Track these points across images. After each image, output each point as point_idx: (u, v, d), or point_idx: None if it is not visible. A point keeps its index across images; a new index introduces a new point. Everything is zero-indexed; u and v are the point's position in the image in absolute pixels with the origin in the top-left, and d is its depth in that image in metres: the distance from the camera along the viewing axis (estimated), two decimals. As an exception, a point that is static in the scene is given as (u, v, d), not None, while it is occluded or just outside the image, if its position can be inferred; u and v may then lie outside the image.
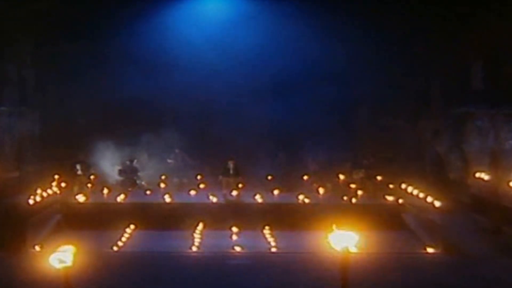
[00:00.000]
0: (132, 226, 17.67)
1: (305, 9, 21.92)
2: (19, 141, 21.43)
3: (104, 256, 14.07)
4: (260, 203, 19.08)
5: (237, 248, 15.49)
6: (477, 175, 19.19)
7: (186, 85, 22.01)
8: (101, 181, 21.53)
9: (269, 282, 11.98)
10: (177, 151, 22.86)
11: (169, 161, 22.77)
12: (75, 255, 6.66)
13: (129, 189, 21.28)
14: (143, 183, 22.37)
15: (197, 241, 16.32)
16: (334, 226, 6.88)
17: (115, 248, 15.74)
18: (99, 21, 21.43)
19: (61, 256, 6.59)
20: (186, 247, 15.71)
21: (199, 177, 22.01)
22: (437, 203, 16.87)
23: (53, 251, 6.75)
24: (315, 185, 21.17)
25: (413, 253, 15.18)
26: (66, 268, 6.63)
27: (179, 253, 15.10)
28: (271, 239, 16.53)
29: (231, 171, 20.16)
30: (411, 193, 18.72)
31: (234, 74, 22.23)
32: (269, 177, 21.73)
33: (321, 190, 20.59)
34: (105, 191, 20.65)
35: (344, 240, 6.61)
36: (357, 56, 21.99)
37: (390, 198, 19.35)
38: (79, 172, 20.61)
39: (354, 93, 22.81)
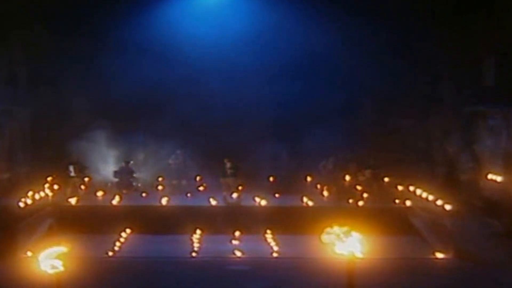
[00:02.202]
0: (128, 230, 17.65)
1: (310, 2, 21.96)
2: (10, 141, 21.41)
3: (98, 262, 14.06)
4: (262, 206, 19.07)
5: (238, 253, 15.47)
6: (490, 176, 19.14)
7: (184, 80, 22.01)
8: (95, 183, 21.53)
9: (271, 289, 11.98)
10: (178, 151, 22.82)
11: (170, 162, 22.75)
12: (66, 258, 6.63)
13: (125, 191, 21.26)
14: (139, 185, 22.36)
15: (196, 245, 16.31)
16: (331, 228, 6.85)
17: (110, 253, 15.73)
18: (93, 15, 21.44)
19: (53, 262, 6.57)
20: (184, 252, 15.70)
21: (198, 178, 21.98)
22: (448, 206, 16.85)
23: (43, 252, 6.71)
24: (319, 187, 21.16)
25: (423, 258, 15.17)
26: (59, 274, 6.61)
27: (177, 259, 15.09)
28: (273, 244, 16.52)
29: (228, 171, 20.13)
30: (420, 196, 18.70)
31: (235, 68, 22.23)
32: (271, 179, 21.71)
33: (325, 192, 20.58)
34: (100, 193, 20.65)
35: (349, 245, 6.59)
36: (363, 51, 21.97)
37: (398, 201, 19.32)
38: (72, 174, 20.60)
39: (360, 90, 22.79)
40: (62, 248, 6.62)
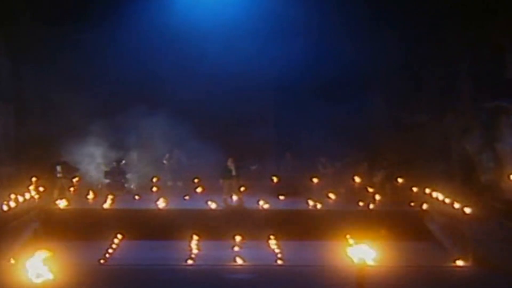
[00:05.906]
0: (120, 236, 17.69)
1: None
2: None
3: (88, 270, 14.07)
4: (265, 210, 19.10)
5: (239, 261, 15.50)
6: (512, 177, 19.17)
7: (180, 75, 22.03)
8: (85, 185, 21.56)
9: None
10: (172, 150, 22.84)
11: (164, 161, 22.77)
12: (52, 264, 6.64)
13: (117, 193, 21.29)
14: (132, 186, 22.39)
15: (193, 252, 16.34)
16: (348, 237, 6.87)
17: (101, 261, 15.76)
18: (83, 4, 21.48)
19: (39, 269, 6.59)
20: (181, 260, 15.72)
21: (196, 180, 22.01)
22: (467, 210, 16.85)
23: (27, 259, 6.72)
24: (326, 189, 21.15)
25: (439, 266, 15.19)
26: (46, 283, 6.63)
27: (173, 266, 15.12)
28: (277, 250, 16.54)
29: (233, 172, 20.08)
30: (437, 198, 18.70)
31: (234, 63, 22.27)
32: (275, 180, 21.73)
33: (333, 195, 20.59)
34: (90, 195, 20.69)
35: (360, 253, 6.60)
36: (374, 44, 22.00)
37: (412, 204, 19.34)
38: (60, 175, 20.63)
39: (372, 85, 22.80)
40: (46, 254, 6.62)
